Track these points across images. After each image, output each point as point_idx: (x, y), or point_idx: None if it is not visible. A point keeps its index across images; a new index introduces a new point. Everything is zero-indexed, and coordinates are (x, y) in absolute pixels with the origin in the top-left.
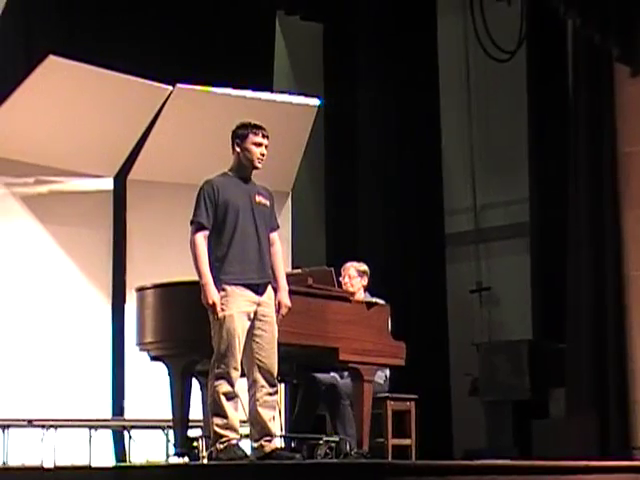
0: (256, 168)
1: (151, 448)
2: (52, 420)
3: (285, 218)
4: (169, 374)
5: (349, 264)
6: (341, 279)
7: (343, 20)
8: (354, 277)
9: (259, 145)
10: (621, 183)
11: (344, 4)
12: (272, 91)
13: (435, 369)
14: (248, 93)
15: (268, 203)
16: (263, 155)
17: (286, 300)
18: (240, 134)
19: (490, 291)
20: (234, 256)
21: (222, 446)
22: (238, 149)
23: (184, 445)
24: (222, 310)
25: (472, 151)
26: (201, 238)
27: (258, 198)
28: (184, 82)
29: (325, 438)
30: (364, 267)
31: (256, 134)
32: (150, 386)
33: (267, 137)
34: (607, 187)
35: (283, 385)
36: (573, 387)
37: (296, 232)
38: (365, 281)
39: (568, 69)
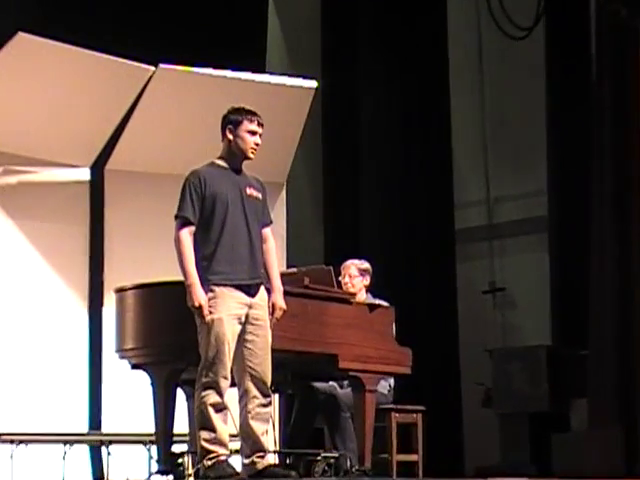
0: (248, 159)
1: (132, 465)
2: (23, 435)
3: (279, 212)
4: (152, 384)
5: (349, 262)
6: (341, 279)
7: None
8: (355, 276)
9: (254, 134)
10: None
11: None
12: (265, 72)
13: (444, 378)
14: (239, 74)
15: (260, 196)
16: (257, 145)
17: (280, 302)
18: (233, 120)
19: (505, 292)
20: (223, 254)
21: (210, 463)
22: (230, 136)
23: (168, 462)
24: (210, 313)
25: (485, 138)
26: (186, 234)
27: (249, 190)
28: (168, 62)
29: (323, 454)
30: (366, 265)
31: (251, 121)
32: (131, 397)
33: (262, 126)
34: (634, 179)
35: (277, 395)
36: (596, 397)
37: (291, 227)
38: (367, 281)
39: (591, 48)
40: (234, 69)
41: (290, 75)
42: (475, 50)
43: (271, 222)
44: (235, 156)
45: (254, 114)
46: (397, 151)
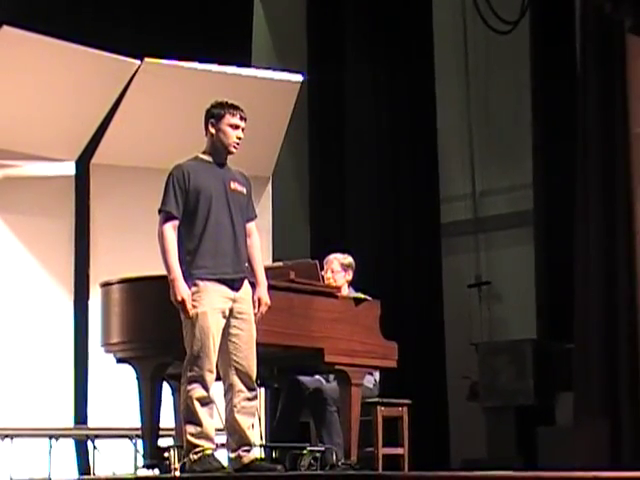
0: (230, 153)
1: (118, 459)
2: (8, 429)
3: (265, 206)
4: (137, 378)
5: (332, 256)
6: (323, 273)
7: None
8: (338, 271)
9: (236, 127)
10: (634, 167)
11: None
12: (250, 66)
13: (430, 371)
14: (224, 68)
15: (245, 190)
16: (239, 139)
17: (265, 297)
18: (215, 114)
19: (490, 286)
20: (206, 248)
21: (196, 457)
22: (212, 130)
23: (154, 456)
24: (194, 307)
25: (471, 132)
26: (170, 228)
27: (233, 185)
28: (153, 56)
29: (309, 447)
30: (349, 260)
31: (233, 115)
32: (116, 391)
33: (245, 119)
34: (619, 172)
35: (263, 390)
36: (582, 391)
37: (277, 221)
38: (350, 276)
39: (576, 42)
40: (220, 63)
41: (276, 69)
42: (460, 44)
43: (255, 216)
44: (218, 150)
45: (236, 108)
46: (383, 145)
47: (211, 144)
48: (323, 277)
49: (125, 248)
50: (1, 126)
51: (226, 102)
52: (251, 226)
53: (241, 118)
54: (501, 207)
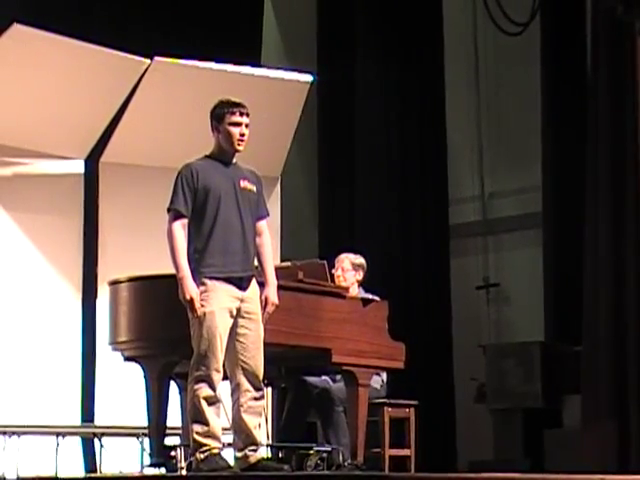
0: (237, 151)
1: (124, 458)
2: (15, 426)
3: (274, 206)
4: (145, 377)
5: (344, 255)
6: (333, 271)
7: None
8: (348, 270)
9: (237, 125)
10: None
11: None
12: (260, 66)
13: (437, 373)
14: (234, 68)
15: (255, 188)
16: (243, 135)
17: (273, 297)
18: (217, 114)
19: (498, 288)
20: (215, 247)
21: (203, 456)
22: (216, 131)
23: (161, 455)
24: (202, 306)
25: (480, 134)
26: (179, 227)
27: (243, 183)
28: (163, 55)
29: (316, 448)
30: (360, 260)
31: (233, 113)
32: (123, 390)
33: (247, 115)
34: (629, 174)
35: (270, 389)
36: (589, 394)
37: (285, 221)
38: (360, 276)
39: (586, 44)
40: (230, 62)
41: (286, 69)
42: (471, 46)
43: (268, 215)
44: (225, 150)
45: (236, 105)
46: (392, 146)
47: (217, 144)
48: (333, 275)
49: (133, 246)
50: (11, 124)
51: (226, 101)
52: (262, 224)
53: (241, 114)
54: (510, 209)
